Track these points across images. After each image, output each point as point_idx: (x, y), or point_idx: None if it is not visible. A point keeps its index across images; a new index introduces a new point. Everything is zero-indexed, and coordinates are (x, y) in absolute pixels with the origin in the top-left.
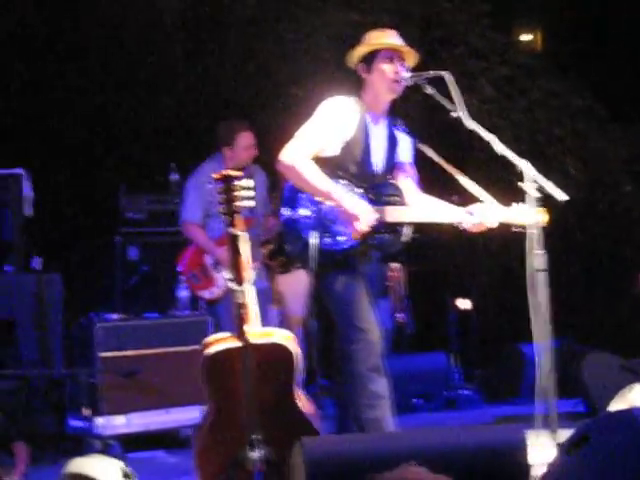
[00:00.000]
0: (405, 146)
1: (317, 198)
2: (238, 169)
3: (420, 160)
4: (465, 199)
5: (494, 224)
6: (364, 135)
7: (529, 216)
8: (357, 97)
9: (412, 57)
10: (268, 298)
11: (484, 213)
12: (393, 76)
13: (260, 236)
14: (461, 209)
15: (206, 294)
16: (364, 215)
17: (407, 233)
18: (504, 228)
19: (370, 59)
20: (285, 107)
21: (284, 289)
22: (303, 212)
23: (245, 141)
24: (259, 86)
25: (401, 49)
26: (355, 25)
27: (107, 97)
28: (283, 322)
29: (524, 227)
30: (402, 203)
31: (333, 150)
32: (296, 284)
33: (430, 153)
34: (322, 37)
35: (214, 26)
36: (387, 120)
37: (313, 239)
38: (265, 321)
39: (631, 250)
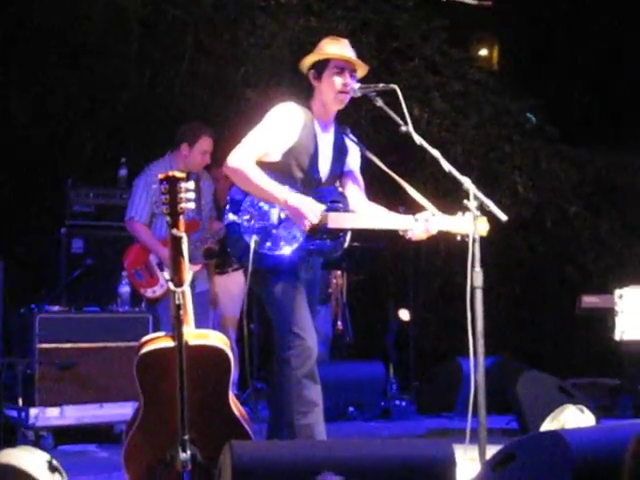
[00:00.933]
0: (354, 154)
1: (262, 201)
2: (187, 172)
3: (367, 169)
4: (411, 209)
5: (434, 231)
6: (312, 142)
7: (471, 225)
8: (307, 103)
9: (363, 69)
10: (207, 301)
11: (426, 221)
12: (341, 87)
13: (207, 239)
14: (404, 217)
15: (148, 292)
16: (311, 208)
17: (347, 240)
18: (449, 240)
19: (321, 67)
20: (239, 110)
21: (219, 290)
22: (246, 216)
23: (205, 145)
24: (213, 87)
25: (352, 61)
26: (313, 31)
27: (59, 88)
28: (218, 324)
29: (466, 237)
30: (345, 210)
31: (278, 155)
32: (232, 285)
33: (377, 162)
34: (279, 41)
35: (171, 25)
36: (335, 128)
37: (253, 243)
38: (205, 323)
39: (575, 271)
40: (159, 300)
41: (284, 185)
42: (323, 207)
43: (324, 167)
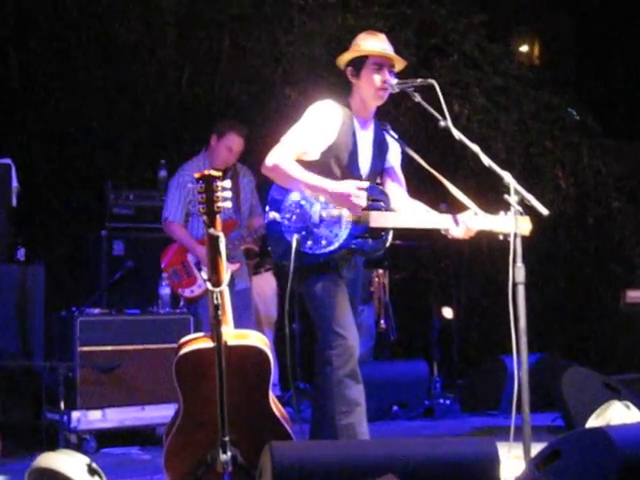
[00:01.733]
0: (394, 151)
1: (303, 200)
2: (219, 168)
3: (409, 166)
4: (453, 207)
5: (474, 231)
6: (351, 139)
7: (513, 225)
8: (345, 100)
9: (401, 63)
10: (249, 298)
11: (468, 220)
12: (380, 84)
13: (245, 238)
14: (445, 216)
15: (186, 292)
16: (356, 192)
17: (389, 238)
18: (492, 237)
19: (359, 64)
20: (278, 108)
21: (254, 291)
22: (287, 215)
23: (232, 142)
24: (252, 86)
25: (390, 57)
26: (350, 28)
27: (98, 92)
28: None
29: (509, 237)
30: (387, 208)
31: (317, 154)
32: (265, 286)
33: (418, 159)
34: (317, 39)
35: (208, 24)
36: (375, 124)
37: (295, 242)
38: (248, 322)
39: (619, 266)
40: (198, 300)
41: None
42: (367, 188)
43: (364, 164)
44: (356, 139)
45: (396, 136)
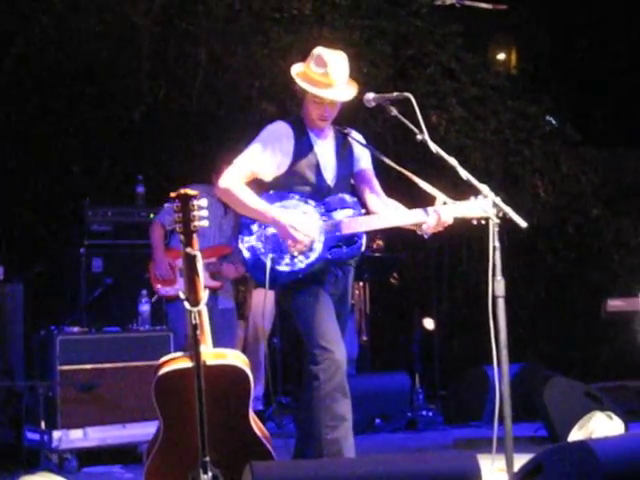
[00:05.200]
0: (362, 154)
1: (254, 219)
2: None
3: (386, 176)
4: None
5: (449, 221)
6: (310, 153)
7: (484, 208)
8: (298, 114)
9: (351, 92)
10: (234, 318)
11: (440, 210)
12: (318, 117)
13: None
14: (414, 211)
15: (161, 291)
16: (299, 228)
17: (363, 243)
18: (471, 247)
19: (302, 90)
20: (256, 123)
21: (256, 302)
22: (260, 237)
23: None
24: (229, 101)
25: (330, 101)
26: (327, 40)
27: (75, 108)
28: (251, 336)
29: (482, 220)
30: (358, 214)
31: (269, 175)
32: (267, 299)
33: (385, 159)
34: (293, 53)
35: (184, 40)
36: (334, 130)
37: (269, 262)
38: (231, 341)
39: (599, 275)
40: (170, 300)
41: (293, 197)
42: (316, 226)
43: (329, 173)
44: (315, 151)
45: (362, 140)
